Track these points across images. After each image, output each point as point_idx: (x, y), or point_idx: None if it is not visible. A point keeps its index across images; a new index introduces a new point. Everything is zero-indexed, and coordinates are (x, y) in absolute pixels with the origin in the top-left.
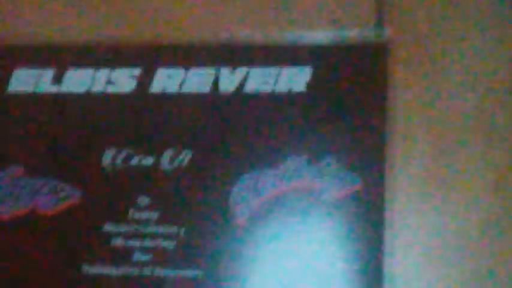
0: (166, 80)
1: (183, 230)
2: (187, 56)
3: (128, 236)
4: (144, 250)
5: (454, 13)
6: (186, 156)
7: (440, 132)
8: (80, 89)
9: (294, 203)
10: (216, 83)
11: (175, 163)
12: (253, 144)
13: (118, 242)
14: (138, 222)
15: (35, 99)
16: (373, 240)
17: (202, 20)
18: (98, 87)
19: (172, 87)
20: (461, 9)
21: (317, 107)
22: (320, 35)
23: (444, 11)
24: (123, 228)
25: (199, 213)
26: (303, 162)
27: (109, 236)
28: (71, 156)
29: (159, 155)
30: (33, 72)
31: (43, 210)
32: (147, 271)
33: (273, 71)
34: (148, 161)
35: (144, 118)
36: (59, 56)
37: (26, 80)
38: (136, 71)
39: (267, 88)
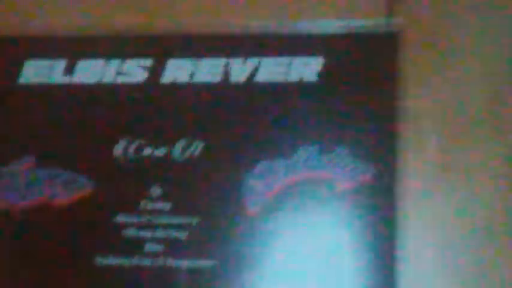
0: (178, 71)
1: (195, 221)
2: (198, 46)
3: (140, 227)
4: (156, 241)
5: (465, 2)
6: (197, 147)
7: (451, 119)
8: (91, 79)
9: (306, 192)
10: (227, 73)
11: (187, 153)
12: (265, 134)
13: (130, 232)
14: (150, 212)
15: (47, 90)
16: (385, 228)
17: (213, 10)
18: (109, 78)
19: (183, 78)
20: None
21: (328, 97)
22: (331, 25)
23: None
24: (135, 218)
25: (212, 204)
26: (315, 152)
27: (121, 226)
28: (83, 147)
29: (171, 146)
30: (45, 63)
31: (55, 201)
32: (159, 261)
33: (284, 60)
34: (161, 151)
35: (155, 109)
36: (70, 47)
37: (37, 71)
38: (148, 62)
39: (278, 78)
